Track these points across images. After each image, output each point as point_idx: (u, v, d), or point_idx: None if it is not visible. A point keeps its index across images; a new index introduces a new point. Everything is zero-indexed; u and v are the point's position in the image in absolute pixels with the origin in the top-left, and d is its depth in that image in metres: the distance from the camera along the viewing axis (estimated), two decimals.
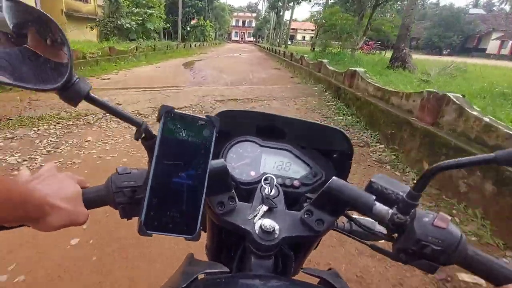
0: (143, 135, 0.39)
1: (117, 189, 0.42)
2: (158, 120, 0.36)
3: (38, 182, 0.38)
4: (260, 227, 0.44)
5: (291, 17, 30.37)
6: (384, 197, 0.43)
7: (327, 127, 0.66)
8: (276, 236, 0.44)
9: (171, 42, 19.06)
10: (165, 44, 16.00)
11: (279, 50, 19.22)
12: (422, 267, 0.40)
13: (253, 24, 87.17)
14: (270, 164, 0.65)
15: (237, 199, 0.47)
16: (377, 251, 0.46)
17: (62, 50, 0.34)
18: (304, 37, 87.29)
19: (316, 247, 0.58)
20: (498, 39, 41.82)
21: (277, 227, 0.44)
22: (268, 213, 0.47)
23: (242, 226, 0.45)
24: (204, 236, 0.57)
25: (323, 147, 0.67)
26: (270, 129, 0.67)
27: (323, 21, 15.29)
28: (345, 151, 0.64)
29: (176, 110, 0.37)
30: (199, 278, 0.41)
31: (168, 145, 0.36)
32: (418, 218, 0.39)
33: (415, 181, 0.41)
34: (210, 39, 36.03)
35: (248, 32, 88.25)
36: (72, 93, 0.34)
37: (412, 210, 0.40)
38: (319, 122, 0.68)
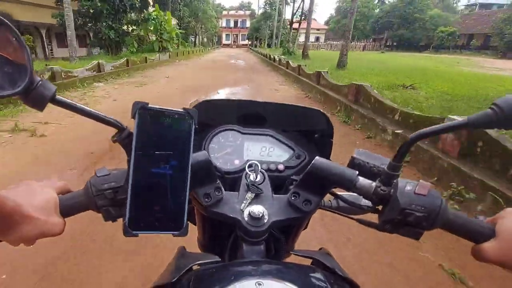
0: (124, 138, 0.38)
1: (98, 192, 0.40)
2: (133, 117, 0.35)
3: (9, 191, 0.36)
4: (249, 214, 0.44)
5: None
6: (366, 171, 0.45)
7: (306, 108, 0.66)
8: (265, 221, 0.44)
9: None
10: None
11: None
12: (408, 235, 0.41)
13: (247, 24, 71.69)
14: (254, 151, 0.66)
15: (223, 190, 0.46)
16: (364, 224, 0.47)
17: (19, 53, 0.32)
18: (308, 38, 72.63)
19: (305, 227, 0.60)
20: None
21: (265, 212, 0.45)
22: (255, 200, 0.47)
23: (231, 215, 0.45)
24: (195, 229, 0.58)
25: (304, 129, 0.68)
26: (250, 116, 0.67)
27: None
28: (326, 130, 0.65)
29: (150, 106, 0.36)
30: (192, 270, 0.42)
31: (145, 142, 0.36)
32: (400, 188, 0.40)
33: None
34: (174, 45, 19.90)
35: (242, 34, 72.73)
36: (36, 97, 0.33)
37: (394, 181, 0.41)
38: (298, 104, 0.67)
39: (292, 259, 0.52)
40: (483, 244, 0.38)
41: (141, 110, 0.35)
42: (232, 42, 70.01)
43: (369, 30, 59.14)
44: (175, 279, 0.39)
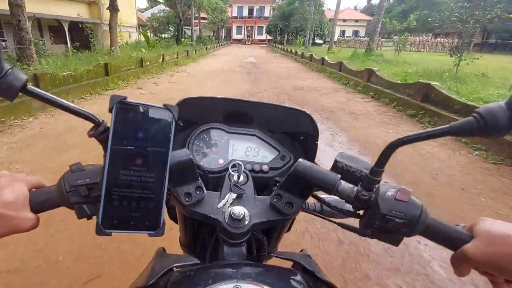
0: (100, 132, 0.37)
1: (71, 188, 0.38)
2: (110, 111, 0.34)
3: None
4: (230, 215, 0.43)
5: None
6: (349, 176, 0.44)
7: (292, 110, 0.65)
8: (246, 222, 0.43)
9: None
10: None
11: None
12: (388, 241, 0.41)
13: (266, 13, 53.81)
14: (239, 150, 0.64)
15: (204, 189, 0.45)
16: (345, 228, 0.47)
17: None
18: (344, 32, 54.53)
19: (289, 229, 0.59)
20: None
21: (247, 213, 0.44)
22: (237, 200, 0.46)
23: (211, 216, 0.44)
24: (177, 228, 0.58)
25: (290, 130, 0.67)
26: (236, 114, 0.66)
27: None
28: (311, 132, 0.64)
29: (129, 100, 0.35)
30: (170, 272, 0.41)
31: (123, 137, 0.35)
32: (381, 194, 0.40)
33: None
34: None
35: (259, 26, 54.82)
36: (5, 86, 0.31)
37: (376, 186, 0.41)
38: (285, 105, 0.66)
39: (273, 261, 0.52)
40: (462, 247, 0.37)
41: (119, 105, 0.34)
42: (246, 37, 52.12)
43: (436, 20, 41.08)
44: (152, 281, 0.39)
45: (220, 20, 36.01)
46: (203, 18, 37.76)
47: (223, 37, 48.58)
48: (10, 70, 0.32)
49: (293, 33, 37.71)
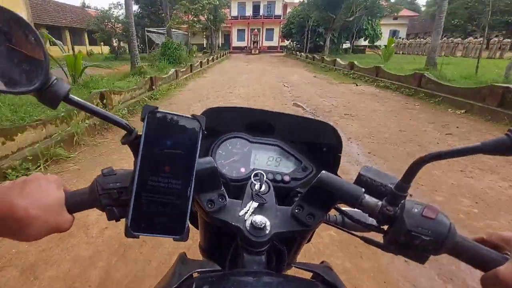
0: (132, 140, 0.38)
1: (103, 191, 0.40)
2: (142, 120, 0.36)
3: (17, 193, 0.36)
4: (251, 223, 0.44)
5: None
6: (373, 189, 0.44)
7: (316, 121, 0.66)
8: (267, 232, 0.44)
9: None
10: None
11: None
12: (413, 258, 0.40)
13: (278, 10, 39.57)
14: (260, 160, 0.65)
15: (227, 197, 0.46)
16: (368, 242, 0.46)
17: (37, 50, 0.32)
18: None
19: (309, 240, 0.59)
20: None
21: (268, 223, 0.44)
22: (259, 209, 0.47)
23: (233, 223, 0.45)
24: (198, 234, 0.58)
25: (312, 141, 0.68)
26: (259, 124, 0.67)
27: None
28: (334, 144, 0.65)
29: (160, 110, 0.37)
30: (192, 277, 0.43)
31: (153, 145, 0.36)
32: (407, 209, 0.39)
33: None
34: None
35: (268, 29, 40.46)
36: (50, 95, 0.33)
37: (401, 202, 0.41)
38: (308, 116, 0.66)
39: (293, 271, 0.53)
40: (498, 269, 0.35)
41: (151, 114, 0.36)
42: (251, 45, 37.54)
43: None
44: (175, 286, 0.41)
45: (211, 14, 21.23)
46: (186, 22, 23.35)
47: (218, 46, 34.29)
48: (55, 81, 0.33)
49: (333, 34, 23.17)
